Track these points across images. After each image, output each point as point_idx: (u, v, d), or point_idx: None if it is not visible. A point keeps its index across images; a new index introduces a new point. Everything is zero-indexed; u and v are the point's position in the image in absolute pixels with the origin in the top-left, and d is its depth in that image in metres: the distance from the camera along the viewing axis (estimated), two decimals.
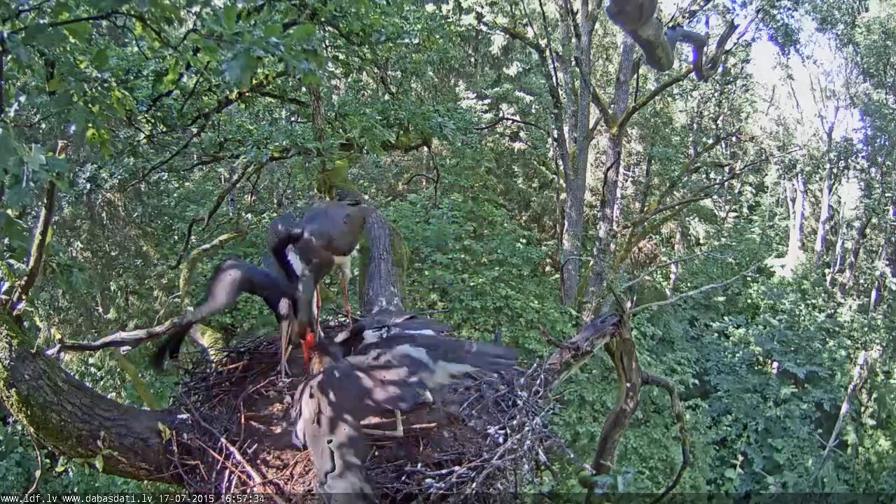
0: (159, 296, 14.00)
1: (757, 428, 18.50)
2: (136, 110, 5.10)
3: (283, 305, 3.35)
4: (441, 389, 3.37)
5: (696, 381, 18.01)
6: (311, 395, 2.83)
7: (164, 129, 5.73)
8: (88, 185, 9.93)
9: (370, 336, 3.09)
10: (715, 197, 26.50)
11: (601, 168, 20.56)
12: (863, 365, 19.66)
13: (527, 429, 3.17)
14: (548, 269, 20.47)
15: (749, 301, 23.10)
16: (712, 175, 25.57)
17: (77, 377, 5.26)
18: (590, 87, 15.65)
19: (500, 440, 3.06)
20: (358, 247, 5.26)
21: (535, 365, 3.80)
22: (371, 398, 2.78)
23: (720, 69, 16.67)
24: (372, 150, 6.89)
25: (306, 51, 2.62)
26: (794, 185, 27.90)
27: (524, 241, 15.93)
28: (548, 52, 16.95)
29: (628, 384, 4.75)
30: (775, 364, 20.17)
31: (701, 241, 27.09)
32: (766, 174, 30.32)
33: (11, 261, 3.09)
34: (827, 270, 25.10)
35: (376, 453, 2.95)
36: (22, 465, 9.95)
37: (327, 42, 6.56)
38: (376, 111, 7.04)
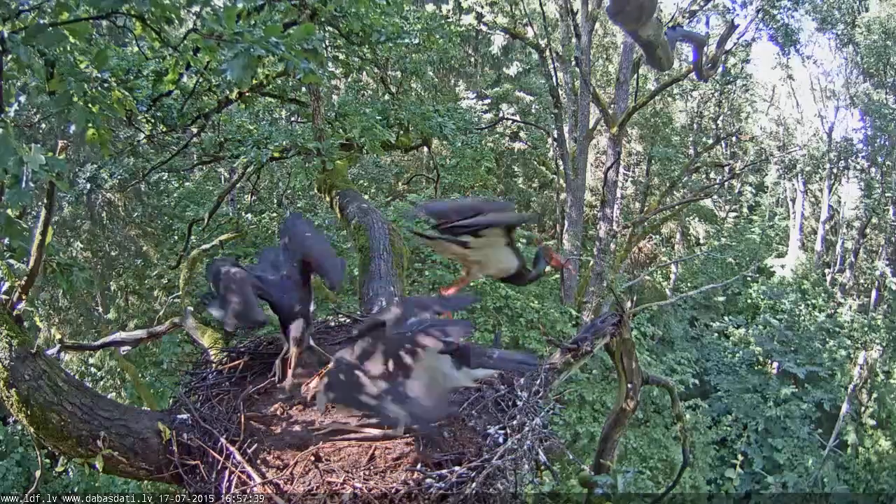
0: (159, 296, 14.00)
1: (757, 428, 18.50)
2: (136, 110, 5.10)
3: (296, 327, 3.37)
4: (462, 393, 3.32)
5: (696, 381, 17.99)
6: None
7: (164, 129, 5.74)
8: (88, 185, 9.93)
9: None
10: (715, 197, 26.50)
11: (601, 168, 20.56)
12: (863, 365, 19.66)
13: (527, 429, 3.17)
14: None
15: (749, 301, 23.11)
16: (712, 175, 25.57)
17: (77, 377, 5.26)
18: (590, 87, 15.65)
19: (500, 440, 3.06)
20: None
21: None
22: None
23: (720, 69, 16.66)
24: (372, 150, 6.90)
25: (306, 50, 2.62)
26: (794, 185, 27.91)
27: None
28: (548, 52, 16.95)
29: (628, 384, 4.74)
30: (775, 364, 20.17)
31: (701, 241, 27.10)
32: (766, 174, 30.33)
33: (11, 261, 3.09)
34: (827, 270, 25.11)
35: (375, 453, 2.95)
36: (22, 465, 9.95)
37: (327, 42, 6.57)
38: (376, 111, 7.04)
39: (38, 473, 3.99)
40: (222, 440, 2.97)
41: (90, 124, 3.02)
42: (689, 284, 22.88)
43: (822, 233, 25.93)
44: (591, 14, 15.87)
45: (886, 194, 22.55)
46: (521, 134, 21.72)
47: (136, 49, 4.65)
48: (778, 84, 28.37)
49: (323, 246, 3.79)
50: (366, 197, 7.80)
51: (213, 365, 3.83)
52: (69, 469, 8.84)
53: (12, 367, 2.81)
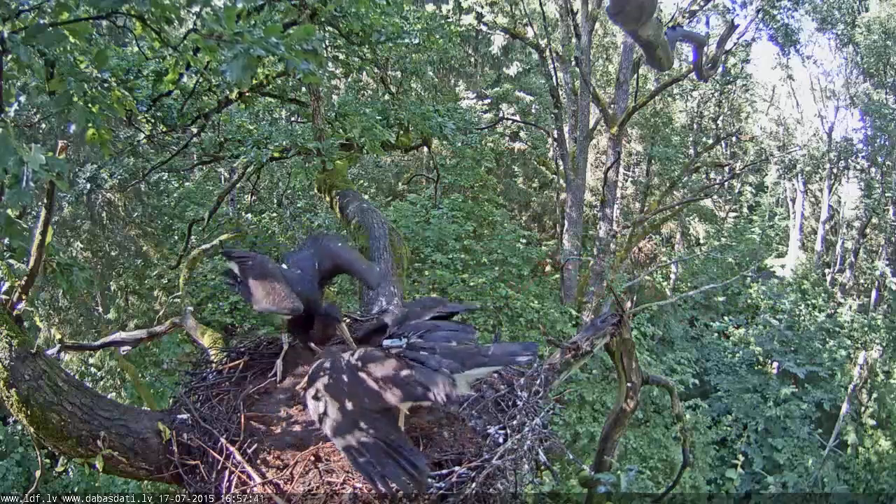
0: (159, 296, 14.00)
1: (757, 428, 18.50)
2: (136, 110, 5.11)
3: (334, 309, 3.44)
4: (465, 398, 3.29)
5: (696, 381, 18.00)
6: (317, 398, 2.78)
7: (164, 129, 5.74)
8: (88, 185, 9.92)
9: (388, 345, 3.03)
10: (715, 197, 26.51)
11: (601, 168, 20.57)
12: (863, 365, 19.65)
13: (527, 429, 3.16)
14: (548, 269, 20.47)
15: (749, 301, 23.11)
16: (712, 175, 25.57)
17: (77, 377, 5.26)
18: (590, 87, 15.64)
19: (500, 440, 3.06)
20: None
21: (535, 365, 3.79)
22: (373, 394, 2.72)
23: (720, 69, 16.67)
24: (372, 150, 6.90)
25: (306, 51, 2.62)
26: (794, 185, 27.92)
27: (524, 241, 15.93)
28: (548, 52, 16.95)
29: (628, 384, 4.74)
30: (775, 364, 20.17)
31: (701, 241, 27.11)
32: (766, 174, 30.34)
33: (11, 261, 3.08)
34: (827, 270, 25.11)
35: None
36: (22, 465, 9.95)
37: (327, 42, 6.57)
38: (376, 111, 7.05)
39: (38, 473, 3.98)
40: (222, 440, 2.97)
41: (90, 124, 3.02)
42: (689, 284, 22.90)
43: (822, 233, 25.93)
44: (591, 14, 15.87)
45: (886, 194, 22.55)
46: (521, 134, 21.72)
47: (136, 49, 4.65)
48: (778, 84, 28.43)
49: (353, 254, 3.95)
50: (366, 197, 7.80)
51: (213, 365, 3.83)
52: (69, 469, 8.86)
53: (12, 367, 2.81)
